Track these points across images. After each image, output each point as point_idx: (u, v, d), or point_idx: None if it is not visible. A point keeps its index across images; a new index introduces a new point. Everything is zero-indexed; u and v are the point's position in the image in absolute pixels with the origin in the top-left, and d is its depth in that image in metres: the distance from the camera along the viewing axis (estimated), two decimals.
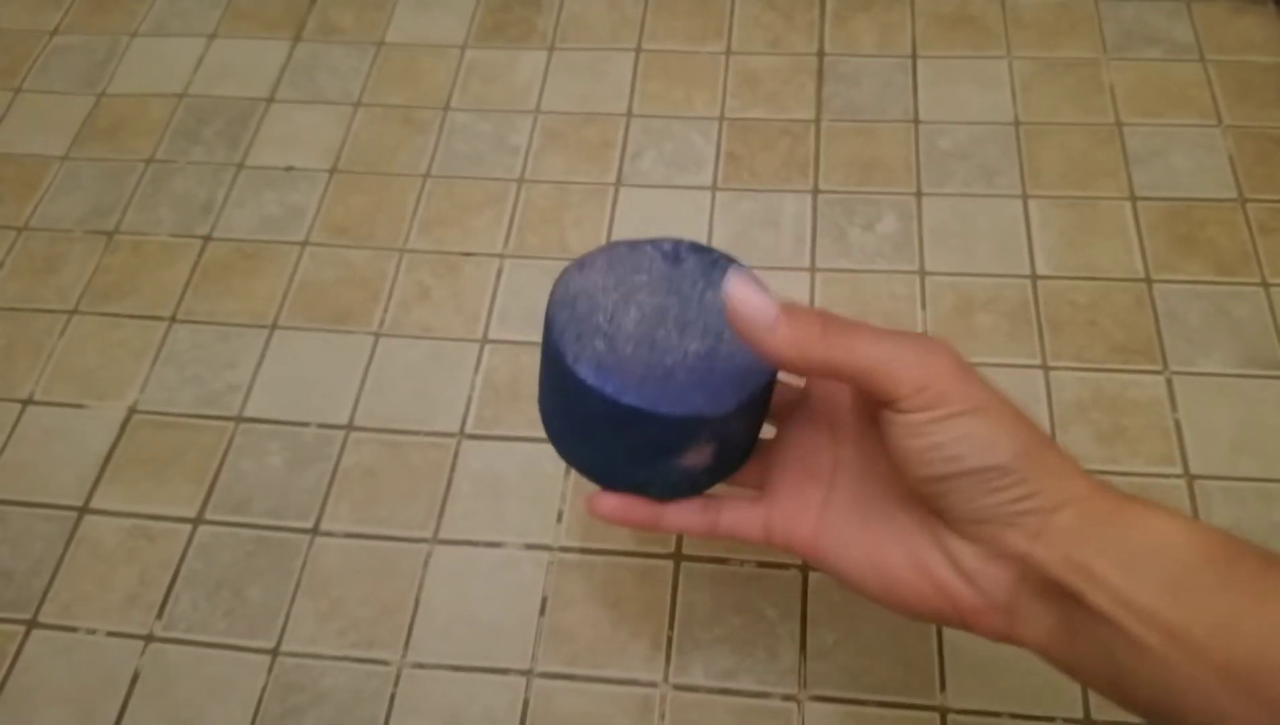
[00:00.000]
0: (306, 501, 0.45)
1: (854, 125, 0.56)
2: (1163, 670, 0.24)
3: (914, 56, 0.59)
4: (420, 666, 0.41)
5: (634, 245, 0.33)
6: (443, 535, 0.44)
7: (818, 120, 0.56)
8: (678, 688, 0.40)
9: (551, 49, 0.61)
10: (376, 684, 0.40)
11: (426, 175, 0.56)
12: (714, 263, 0.32)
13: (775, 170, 0.54)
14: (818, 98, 0.57)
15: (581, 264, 0.32)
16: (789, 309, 0.28)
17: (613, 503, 0.32)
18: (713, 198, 0.54)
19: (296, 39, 0.63)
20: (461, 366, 0.49)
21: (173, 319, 0.51)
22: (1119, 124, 0.55)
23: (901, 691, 0.39)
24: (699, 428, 0.30)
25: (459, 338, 0.50)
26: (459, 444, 0.46)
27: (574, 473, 0.39)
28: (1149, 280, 0.49)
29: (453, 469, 0.46)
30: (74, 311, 0.52)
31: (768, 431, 0.35)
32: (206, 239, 0.54)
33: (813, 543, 0.31)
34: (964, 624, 0.28)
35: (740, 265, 0.32)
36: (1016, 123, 0.55)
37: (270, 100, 0.60)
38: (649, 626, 0.41)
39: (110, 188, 0.57)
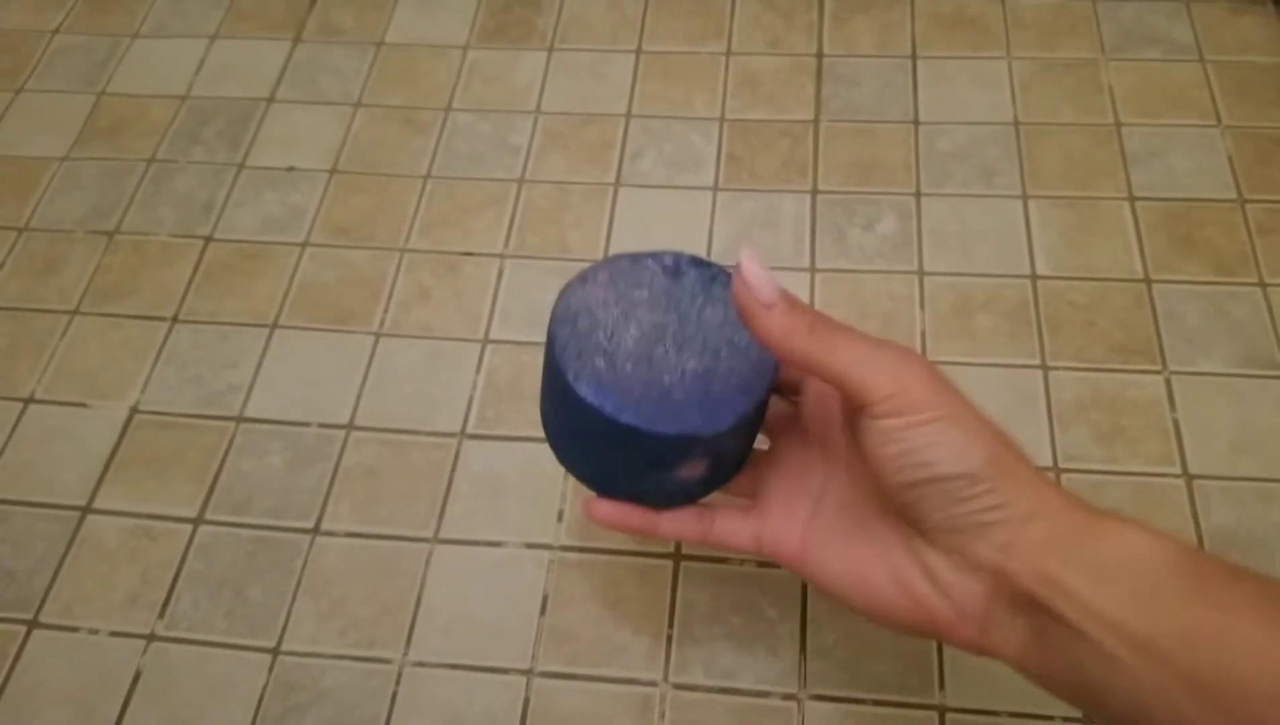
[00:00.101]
0: (307, 501, 0.45)
1: (853, 126, 0.56)
2: (1131, 681, 0.25)
3: (913, 57, 0.59)
4: (421, 666, 0.41)
5: (635, 259, 0.33)
6: (443, 535, 0.44)
7: (817, 121, 0.56)
8: (678, 687, 0.40)
9: (552, 50, 0.61)
10: (377, 683, 0.41)
11: (427, 176, 0.56)
12: (713, 277, 0.33)
13: (775, 171, 0.55)
14: (817, 98, 0.57)
15: (584, 278, 0.33)
16: (788, 297, 0.29)
17: (609, 509, 0.34)
18: (713, 198, 0.54)
19: (297, 40, 0.63)
20: (462, 366, 0.49)
21: (174, 319, 0.51)
22: (1118, 124, 0.55)
23: (901, 690, 0.39)
24: (694, 444, 0.31)
25: (460, 338, 0.50)
26: (460, 444, 0.46)
27: None
28: (1148, 280, 0.49)
29: (453, 469, 0.46)
30: (75, 311, 0.52)
31: (762, 442, 0.35)
32: (207, 239, 0.54)
33: (799, 555, 0.32)
34: (940, 636, 0.29)
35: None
36: (1016, 123, 0.55)
37: (271, 101, 0.60)
38: (649, 626, 0.41)
39: (111, 188, 0.57)
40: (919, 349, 0.48)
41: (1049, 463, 0.44)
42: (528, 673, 0.41)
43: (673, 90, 0.58)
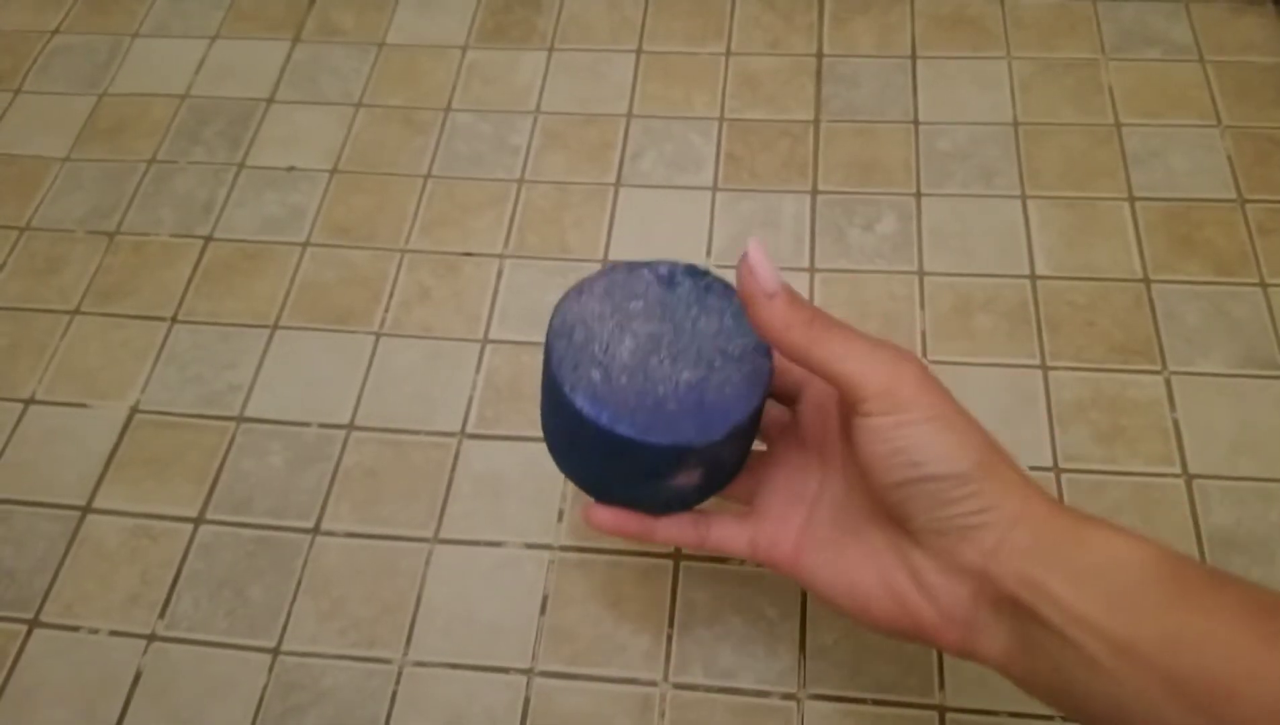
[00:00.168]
0: (307, 501, 0.45)
1: (853, 126, 0.56)
2: (1113, 684, 0.25)
3: (913, 57, 0.59)
4: (421, 665, 0.41)
5: (631, 269, 0.34)
6: (443, 535, 0.44)
7: (817, 121, 0.57)
8: (678, 686, 0.40)
9: (552, 50, 0.61)
10: (378, 683, 0.41)
11: (427, 176, 0.56)
12: (708, 287, 0.34)
13: (775, 171, 0.55)
14: (817, 99, 0.57)
15: (580, 290, 0.33)
16: (790, 290, 0.30)
17: (607, 515, 0.35)
18: (713, 198, 0.54)
19: (297, 40, 0.63)
20: (462, 366, 0.49)
21: (174, 319, 0.51)
22: (1118, 124, 0.55)
23: (900, 690, 0.39)
24: (688, 455, 0.31)
25: (460, 338, 0.50)
26: (460, 444, 0.46)
27: None
28: (1148, 280, 0.49)
29: (453, 469, 0.46)
30: (76, 312, 0.52)
31: (759, 446, 0.36)
32: (208, 239, 0.54)
33: (793, 560, 0.33)
34: (926, 639, 0.29)
35: (734, 287, 0.33)
36: (1015, 123, 0.55)
37: (271, 101, 0.60)
38: (649, 625, 0.41)
39: (111, 188, 0.57)
40: (919, 349, 0.48)
41: (1049, 463, 0.44)
42: (528, 672, 0.41)
43: (673, 90, 0.58)
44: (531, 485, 0.45)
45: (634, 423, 0.30)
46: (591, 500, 0.35)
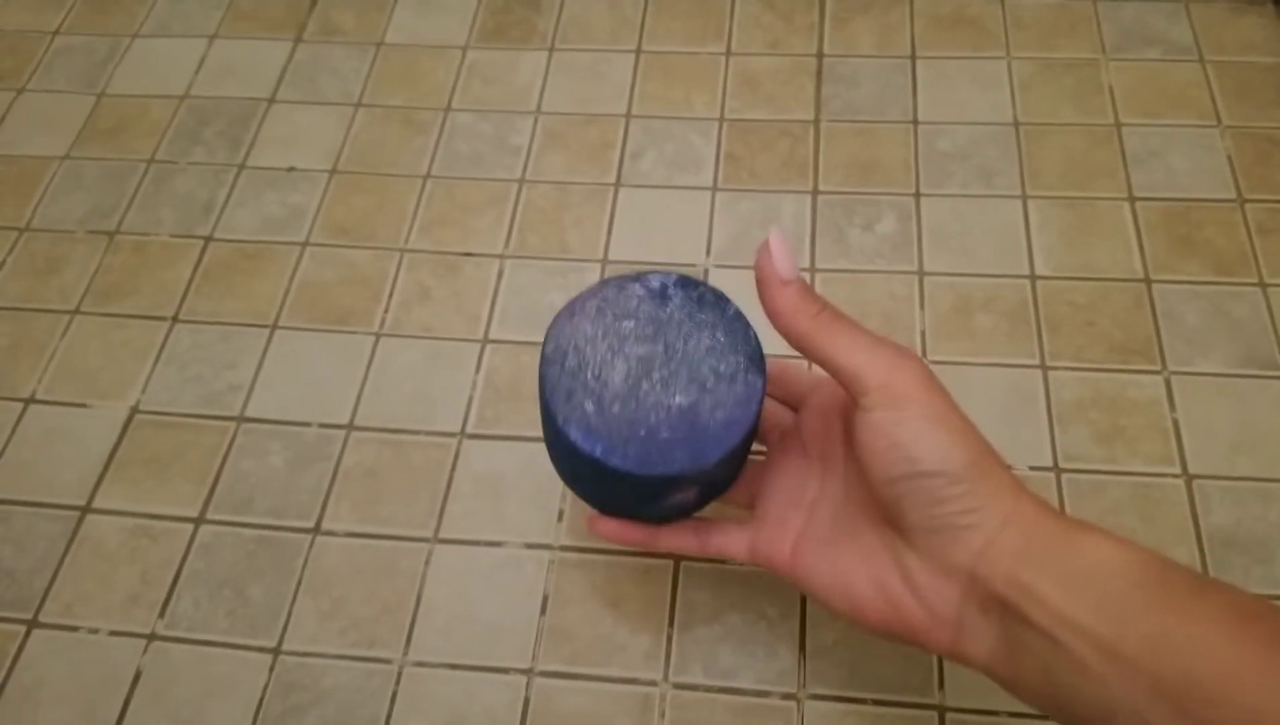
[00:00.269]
0: (308, 501, 0.45)
1: (853, 126, 0.56)
2: (1099, 686, 0.25)
3: (913, 57, 0.59)
4: (421, 665, 0.41)
5: (622, 285, 0.34)
6: (444, 535, 0.44)
7: (817, 121, 0.57)
8: (678, 686, 0.40)
9: (552, 50, 0.61)
10: (378, 683, 0.41)
11: (427, 176, 0.56)
12: (700, 298, 0.34)
13: (775, 171, 0.55)
14: (817, 99, 0.57)
15: (571, 311, 0.34)
16: (804, 282, 0.31)
17: (611, 525, 0.36)
18: (713, 198, 0.54)
19: (297, 40, 0.63)
20: (462, 366, 0.49)
21: (174, 319, 0.51)
22: (1118, 124, 0.55)
23: (900, 690, 0.39)
24: (682, 481, 0.32)
25: (460, 338, 0.50)
26: (460, 444, 0.46)
27: None
28: (1148, 280, 0.49)
29: (453, 469, 0.46)
30: (76, 311, 0.52)
31: (759, 447, 0.37)
32: (208, 239, 0.54)
33: (790, 564, 0.33)
34: (916, 640, 0.30)
35: (727, 297, 0.34)
36: (1015, 123, 0.55)
37: (271, 101, 0.60)
38: (649, 625, 0.41)
39: (112, 188, 0.57)
40: (919, 349, 0.48)
41: (1049, 463, 0.44)
42: (528, 672, 0.41)
43: (673, 90, 0.58)
44: (531, 485, 0.45)
45: (627, 455, 0.31)
46: (594, 511, 0.36)
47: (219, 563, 0.44)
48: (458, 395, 0.48)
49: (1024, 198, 0.52)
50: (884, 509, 0.30)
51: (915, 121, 0.56)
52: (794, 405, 0.37)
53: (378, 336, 0.50)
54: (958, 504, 0.28)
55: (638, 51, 0.60)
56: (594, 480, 0.33)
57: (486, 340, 0.50)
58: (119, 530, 0.45)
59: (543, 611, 0.42)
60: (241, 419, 0.48)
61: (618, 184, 0.55)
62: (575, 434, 0.31)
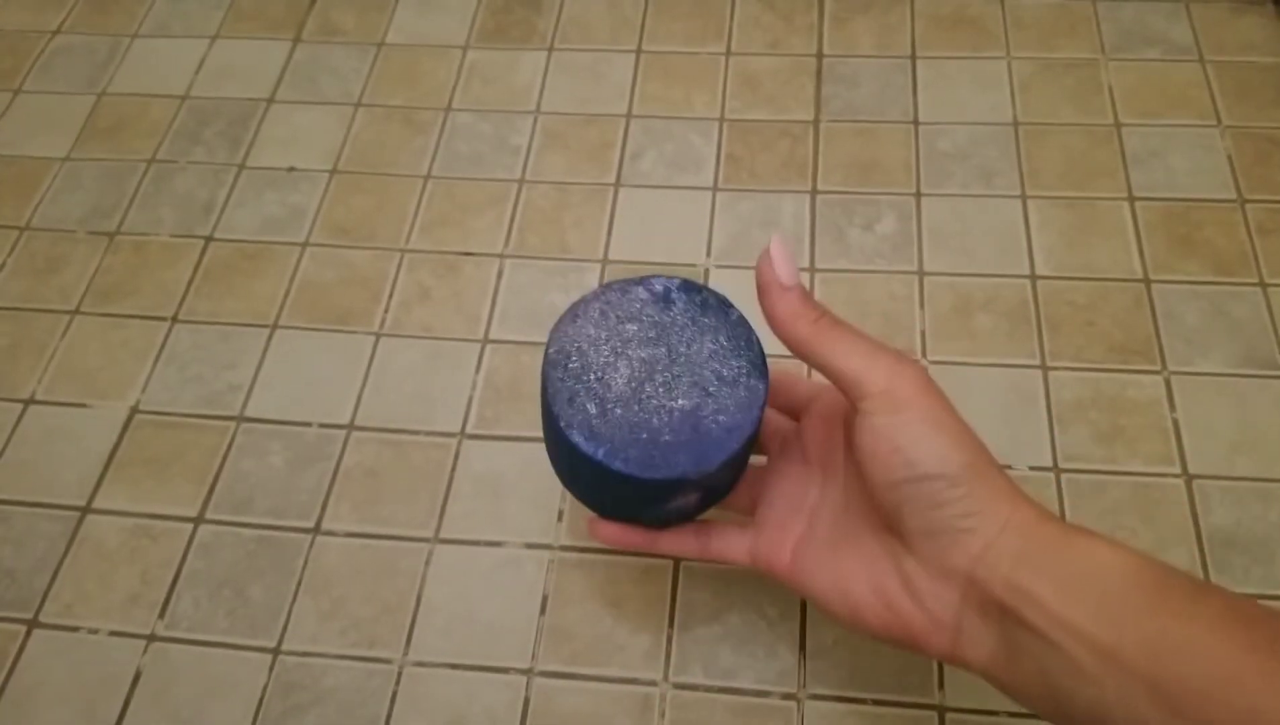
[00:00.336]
0: (308, 501, 0.45)
1: (853, 126, 0.56)
2: (1097, 689, 0.25)
3: (913, 57, 0.59)
4: (421, 665, 0.41)
5: (625, 288, 0.34)
6: (444, 535, 0.44)
7: (817, 121, 0.57)
8: (678, 686, 0.40)
9: (552, 50, 0.61)
10: (378, 683, 0.41)
11: (427, 176, 0.56)
12: (703, 303, 0.34)
13: (775, 171, 0.55)
14: (817, 99, 0.57)
15: (575, 314, 0.34)
16: (804, 289, 0.31)
17: (612, 529, 0.36)
18: (713, 198, 0.54)
19: (297, 40, 0.63)
20: (462, 366, 0.49)
21: (174, 319, 0.51)
22: (1118, 124, 0.55)
23: (900, 690, 0.39)
24: (684, 484, 0.32)
25: (460, 338, 0.50)
26: (460, 444, 0.46)
27: None
28: (1148, 280, 0.49)
29: (453, 469, 0.46)
30: (76, 311, 0.52)
31: (759, 460, 0.37)
32: (208, 239, 0.54)
33: (790, 569, 0.33)
34: (915, 644, 0.30)
35: (730, 302, 0.34)
36: (1015, 123, 0.55)
37: (271, 101, 0.60)
38: (649, 625, 0.41)
39: (112, 188, 0.57)
40: (919, 349, 0.48)
41: (1049, 463, 0.44)
42: (528, 672, 0.41)
43: (673, 90, 0.58)
44: (531, 485, 0.45)
45: (629, 459, 0.31)
46: (595, 514, 0.37)
47: (219, 563, 0.44)
48: (458, 395, 0.48)
49: (1024, 198, 0.52)
50: (883, 514, 0.30)
51: (915, 121, 0.56)
52: (795, 415, 0.37)
53: (378, 336, 0.50)
54: (956, 507, 0.28)
55: (638, 51, 0.60)
56: (595, 483, 0.33)
57: (486, 340, 0.50)
58: (119, 530, 0.45)
59: (542, 611, 0.42)
60: (241, 419, 0.48)
61: (618, 184, 0.55)
62: (577, 437, 0.31)
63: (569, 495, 0.45)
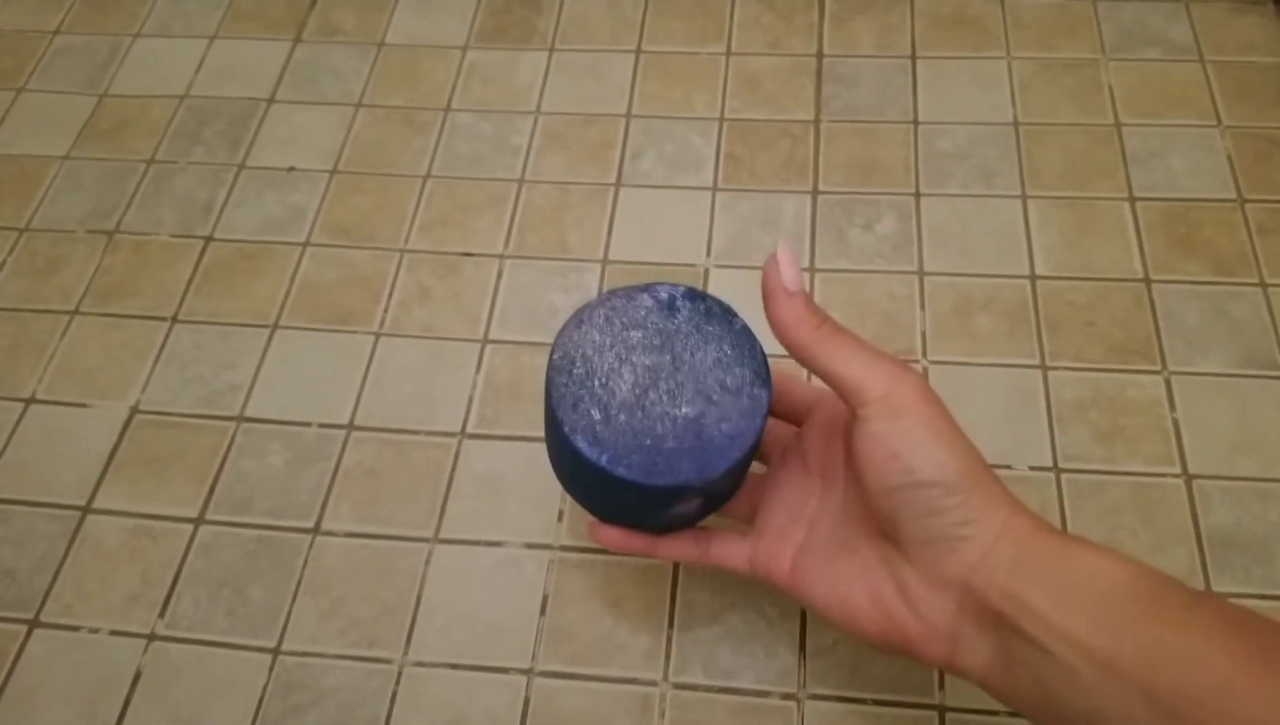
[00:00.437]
0: (308, 501, 0.45)
1: (853, 126, 0.56)
2: (1093, 698, 0.25)
3: (913, 58, 0.59)
4: (421, 665, 0.41)
5: (630, 295, 0.34)
6: (444, 535, 0.44)
7: (817, 121, 0.57)
8: (678, 686, 0.40)
9: (552, 50, 0.61)
10: (378, 683, 0.41)
11: (427, 176, 0.56)
12: (708, 311, 0.34)
13: (775, 171, 0.55)
14: (817, 99, 0.57)
15: (580, 319, 0.34)
16: (808, 295, 0.32)
17: (613, 534, 0.36)
18: (713, 198, 0.54)
19: (297, 40, 0.63)
20: (462, 366, 0.49)
21: (174, 319, 0.51)
22: (1118, 124, 0.55)
23: (900, 690, 0.39)
24: (686, 491, 0.32)
25: (460, 338, 0.50)
26: (460, 444, 0.46)
27: None
28: (1148, 280, 0.49)
29: (453, 469, 0.46)
30: (76, 312, 0.52)
31: (759, 467, 0.37)
32: (208, 239, 0.54)
33: (789, 577, 0.33)
34: (912, 653, 0.30)
35: (734, 311, 0.34)
36: (1015, 123, 0.55)
37: (271, 101, 0.60)
38: (649, 625, 0.41)
39: (112, 188, 0.57)
40: (919, 349, 0.48)
41: (1049, 463, 0.44)
42: (528, 672, 0.41)
43: (673, 90, 0.58)
44: (531, 485, 0.45)
45: (632, 465, 0.31)
46: (595, 519, 0.36)
47: (219, 563, 0.44)
48: (458, 395, 0.48)
49: (1024, 198, 0.52)
50: (881, 521, 0.30)
51: (915, 121, 0.56)
52: (792, 419, 0.37)
53: (378, 336, 0.50)
54: (953, 515, 0.28)
55: (638, 51, 0.60)
56: (598, 488, 0.33)
57: (486, 340, 0.50)
58: (119, 530, 0.45)
59: (543, 611, 0.42)
60: (241, 419, 0.48)
61: (618, 184, 0.55)
62: (581, 443, 0.31)
63: (569, 496, 0.45)
